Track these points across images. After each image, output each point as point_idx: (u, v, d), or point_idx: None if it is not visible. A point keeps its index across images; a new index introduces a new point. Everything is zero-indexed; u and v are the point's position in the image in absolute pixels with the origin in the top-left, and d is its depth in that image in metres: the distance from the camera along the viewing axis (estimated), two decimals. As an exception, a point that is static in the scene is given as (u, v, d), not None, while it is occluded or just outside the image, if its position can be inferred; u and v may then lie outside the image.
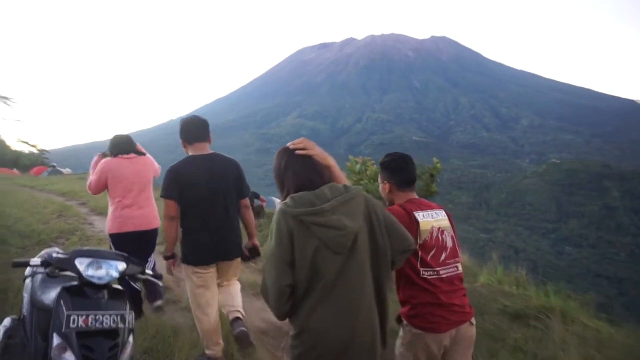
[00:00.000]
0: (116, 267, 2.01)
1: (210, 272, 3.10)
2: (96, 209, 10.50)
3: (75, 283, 1.98)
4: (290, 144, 1.84)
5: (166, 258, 3.10)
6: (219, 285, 3.27)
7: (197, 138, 3.06)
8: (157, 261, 4.34)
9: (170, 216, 2.95)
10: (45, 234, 7.34)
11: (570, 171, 66.74)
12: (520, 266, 6.16)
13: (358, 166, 6.65)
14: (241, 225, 3.29)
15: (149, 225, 3.89)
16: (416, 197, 2.31)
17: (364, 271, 1.70)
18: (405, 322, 2.16)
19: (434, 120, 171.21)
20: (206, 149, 3.09)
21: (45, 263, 1.98)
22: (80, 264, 1.95)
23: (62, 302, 1.86)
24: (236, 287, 3.40)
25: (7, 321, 2.36)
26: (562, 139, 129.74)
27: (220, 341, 3.21)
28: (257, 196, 9.82)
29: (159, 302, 4.16)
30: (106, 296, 1.96)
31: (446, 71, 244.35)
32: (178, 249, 3.13)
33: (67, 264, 1.95)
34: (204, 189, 2.96)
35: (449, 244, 2.20)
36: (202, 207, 2.99)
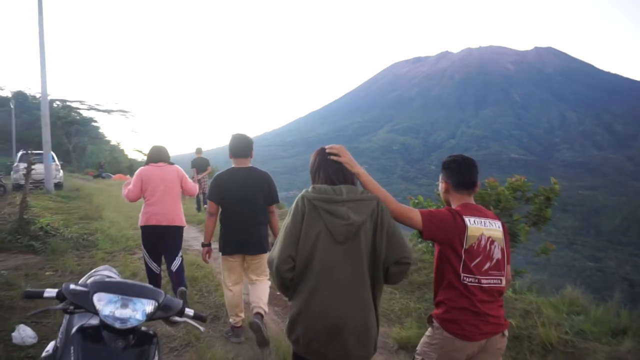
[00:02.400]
0: (143, 309, 1.59)
1: (236, 260, 3.83)
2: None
3: (95, 323, 1.62)
4: (327, 147, 2.10)
5: (203, 245, 3.88)
6: (250, 282, 3.90)
7: (238, 154, 3.80)
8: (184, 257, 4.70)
9: (210, 212, 3.80)
10: (133, 239, 7.65)
11: (703, 197, 57.84)
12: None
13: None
14: None
15: (170, 222, 4.46)
16: (472, 202, 2.31)
17: (362, 265, 1.90)
18: (437, 324, 2.16)
19: (536, 137, 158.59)
20: (245, 162, 3.80)
21: (60, 296, 1.61)
22: (99, 300, 1.56)
23: (71, 350, 1.53)
24: (264, 285, 3.89)
25: (50, 346, 2.00)
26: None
27: (242, 314, 3.92)
28: None
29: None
30: (127, 344, 1.57)
31: (551, 84, 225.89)
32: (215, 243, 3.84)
33: (83, 299, 1.57)
34: (237, 195, 3.68)
35: (497, 255, 2.18)
36: (235, 209, 3.71)
